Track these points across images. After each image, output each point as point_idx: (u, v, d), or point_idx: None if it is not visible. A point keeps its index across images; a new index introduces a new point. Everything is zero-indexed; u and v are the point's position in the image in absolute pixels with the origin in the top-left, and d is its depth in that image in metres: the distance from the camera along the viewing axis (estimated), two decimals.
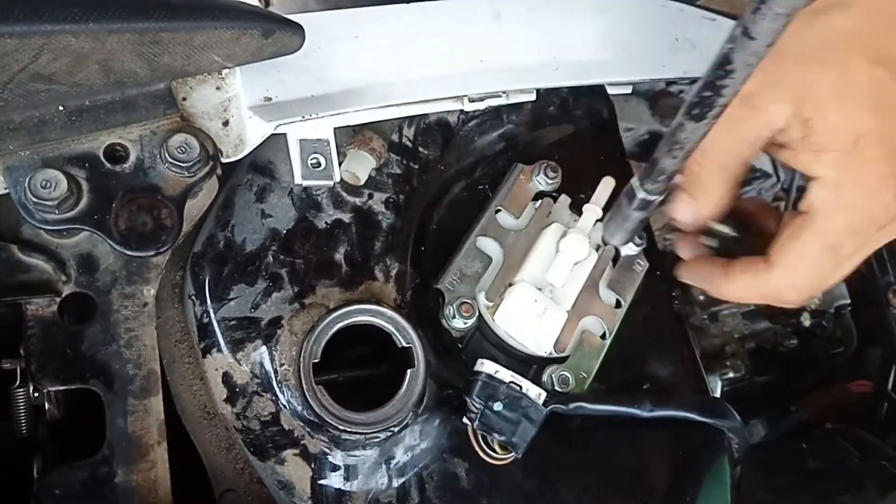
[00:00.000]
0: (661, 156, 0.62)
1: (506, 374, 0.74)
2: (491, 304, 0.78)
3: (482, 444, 0.74)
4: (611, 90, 0.92)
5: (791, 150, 0.68)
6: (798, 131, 0.67)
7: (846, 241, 0.67)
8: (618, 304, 0.85)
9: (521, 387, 0.74)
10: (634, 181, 0.67)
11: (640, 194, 0.67)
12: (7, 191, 0.66)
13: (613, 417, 0.79)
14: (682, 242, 0.79)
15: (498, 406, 0.73)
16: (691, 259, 0.78)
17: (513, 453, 0.73)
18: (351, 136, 0.79)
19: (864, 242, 0.68)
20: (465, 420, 0.74)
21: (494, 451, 0.74)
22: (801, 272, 0.68)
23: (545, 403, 0.74)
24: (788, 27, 0.44)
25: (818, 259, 0.68)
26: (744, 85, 0.54)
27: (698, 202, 0.71)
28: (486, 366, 0.74)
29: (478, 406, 0.73)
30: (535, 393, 0.74)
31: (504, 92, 0.82)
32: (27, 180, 0.64)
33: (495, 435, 0.73)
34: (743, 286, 0.72)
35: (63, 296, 0.71)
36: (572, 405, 0.76)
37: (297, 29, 0.70)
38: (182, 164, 0.68)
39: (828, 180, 0.66)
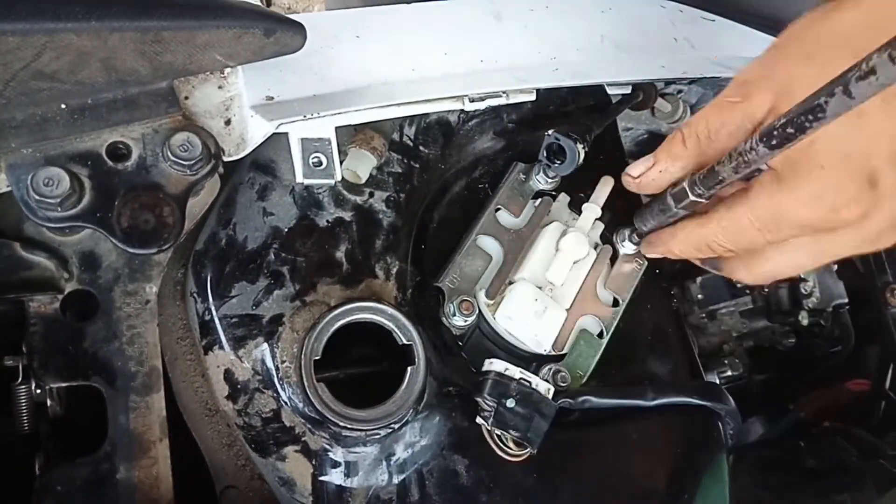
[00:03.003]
0: (723, 168, 0.65)
1: (515, 371, 0.74)
2: (491, 302, 0.79)
3: (497, 442, 0.74)
4: (610, 90, 0.92)
5: None
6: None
7: (770, 227, 0.67)
8: (615, 303, 0.85)
9: (530, 382, 0.74)
10: (687, 183, 0.70)
11: (693, 196, 0.70)
12: (9, 188, 0.66)
13: (613, 414, 0.79)
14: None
15: (511, 403, 0.73)
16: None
17: (527, 450, 0.74)
18: (352, 135, 0.79)
19: (783, 235, 0.68)
20: (478, 420, 0.74)
21: (509, 449, 0.74)
22: (728, 237, 0.70)
23: (554, 398, 0.75)
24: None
25: (743, 232, 0.69)
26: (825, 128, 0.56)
27: (659, 166, 0.74)
28: (496, 364, 0.74)
29: (490, 404, 0.73)
30: (544, 388, 0.75)
31: (504, 92, 0.83)
32: (30, 178, 0.64)
33: (510, 431, 0.73)
34: (682, 239, 0.75)
35: (65, 293, 0.71)
36: (580, 399, 0.77)
37: (299, 28, 0.70)
38: (184, 163, 0.68)
39: (773, 173, 0.66)
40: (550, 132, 0.82)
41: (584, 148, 0.82)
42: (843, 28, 0.66)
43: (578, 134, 0.82)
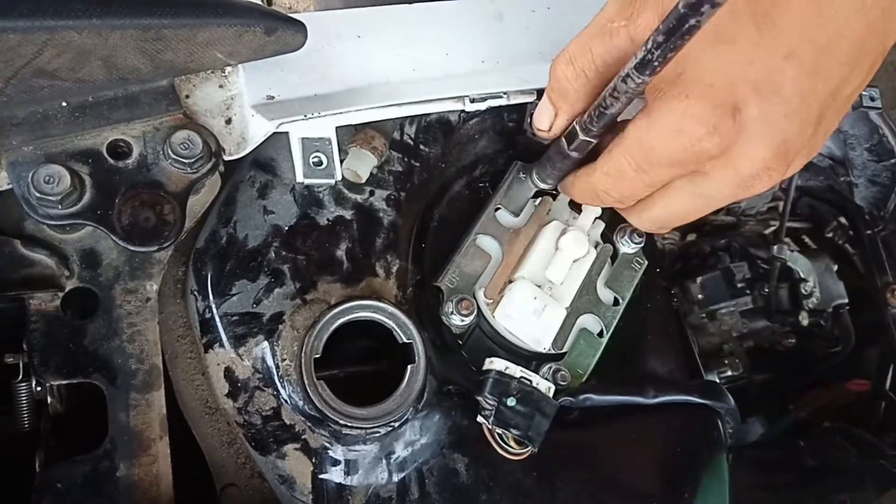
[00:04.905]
0: (609, 102, 0.62)
1: (515, 370, 0.74)
2: (491, 301, 0.79)
3: (498, 441, 0.75)
4: None
5: None
6: None
7: (643, 165, 0.65)
8: (616, 302, 0.85)
9: (531, 381, 0.74)
10: (576, 125, 0.68)
11: (582, 136, 0.68)
12: (10, 186, 0.66)
13: (613, 413, 0.79)
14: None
15: (511, 401, 0.73)
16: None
17: (528, 448, 0.74)
18: (353, 135, 0.79)
19: (658, 174, 0.66)
20: (479, 419, 0.75)
21: (510, 447, 0.74)
22: (611, 183, 0.69)
23: (555, 397, 0.75)
24: None
25: (622, 174, 0.67)
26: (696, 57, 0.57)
27: (559, 111, 0.71)
28: (496, 363, 0.75)
29: (491, 403, 0.73)
30: (545, 387, 0.75)
31: (505, 93, 0.83)
32: (30, 175, 0.65)
33: (511, 430, 0.73)
34: (579, 188, 0.74)
35: (66, 291, 0.71)
36: (581, 397, 0.77)
37: (300, 27, 0.71)
38: (185, 161, 0.68)
39: (645, 109, 0.64)
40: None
41: None
42: None
43: None
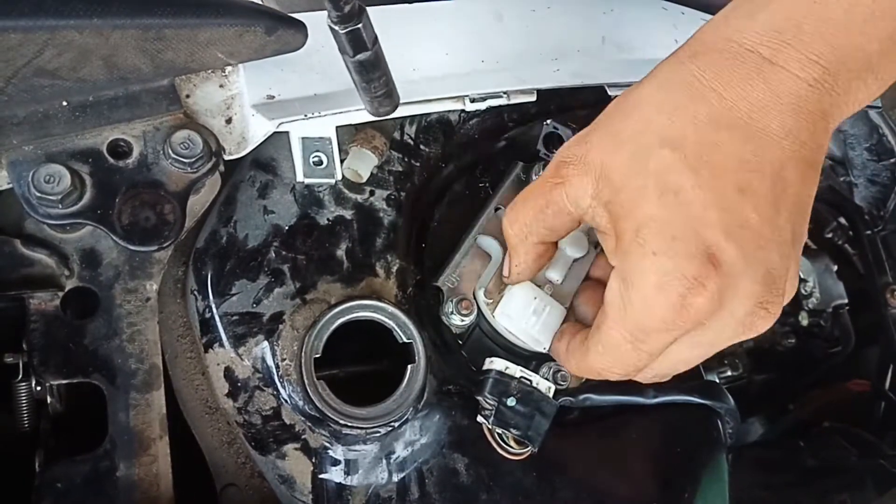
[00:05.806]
0: None
1: (515, 370, 0.74)
2: (490, 301, 0.79)
3: (499, 441, 0.75)
4: (611, 91, 0.92)
5: (601, 233, 0.64)
6: (601, 214, 0.62)
7: (639, 335, 0.61)
8: None
9: (531, 381, 0.75)
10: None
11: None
12: (10, 185, 0.67)
13: (613, 413, 0.79)
14: None
15: (511, 401, 0.73)
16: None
17: (528, 448, 0.74)
18: (353, 134, 0.79)
19: (656, 342, 0.62)
20: (479, 419, 0.75)
21: (510, 447, 0.75)
22: (610, 360, 0.65)
23: (555, 397, 0.75)
24: None
25: (620, 350, 0.63)
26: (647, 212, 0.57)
27: (515, 264, 0.73)
28: (496, 363, 0.75)
29: (491, 403, 0.73)
30: (545, 387, 0.75)
31: (505, 92, 0.83)
32: (31, 175, 0.65)
33: (511, 430, 0.73)
34: (578, 367, 0.70)
35: (66, 290, 0.71)
36: (581, 397, 0.78)
37: (301, 27, 0.71)
38: (185, 160, 0.68)
39: (616, 273, 0.62)
40: (548, 121, 0.83)
41: None
42: (640, 102, 0.63)
43: (576, 122, 0.83)
